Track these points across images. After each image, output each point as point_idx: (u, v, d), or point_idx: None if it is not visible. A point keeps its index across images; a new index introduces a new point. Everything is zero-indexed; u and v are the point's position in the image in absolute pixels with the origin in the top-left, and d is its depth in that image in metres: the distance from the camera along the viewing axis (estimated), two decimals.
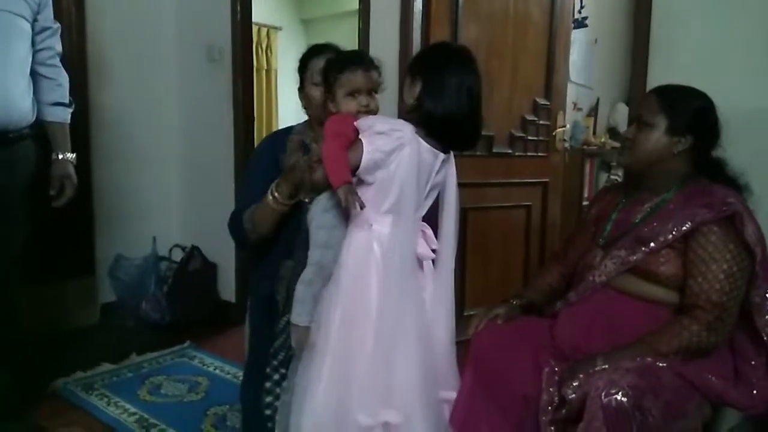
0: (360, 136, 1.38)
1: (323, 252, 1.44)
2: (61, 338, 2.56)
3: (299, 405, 1.46)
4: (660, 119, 1.43)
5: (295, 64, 1.81)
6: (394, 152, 1.38)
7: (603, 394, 1.21)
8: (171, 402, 2.13)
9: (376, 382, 1.38)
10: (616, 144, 2.80)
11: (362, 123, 1.42)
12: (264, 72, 5.41)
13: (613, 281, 1.48)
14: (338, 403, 1.41)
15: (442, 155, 1.46)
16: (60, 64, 1.86)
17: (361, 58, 1.51)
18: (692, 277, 1.34)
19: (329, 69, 1.52)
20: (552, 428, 1.40)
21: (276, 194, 1.59)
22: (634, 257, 1.41)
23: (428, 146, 1.42)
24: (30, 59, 1.75)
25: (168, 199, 3.07)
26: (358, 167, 1.37)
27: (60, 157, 1.84)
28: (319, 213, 1.46)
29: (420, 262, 1.50)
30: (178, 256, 2.98)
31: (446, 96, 1.40)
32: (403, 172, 1.39)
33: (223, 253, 2.96)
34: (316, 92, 1.68)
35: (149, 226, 2.95)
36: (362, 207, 1.34)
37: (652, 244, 1.39)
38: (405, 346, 1.41)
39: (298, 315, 1.46)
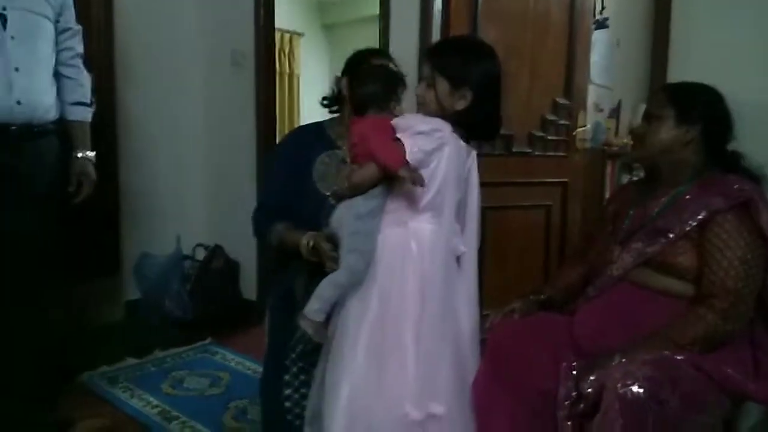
0: (398, 136, 1.41)
1: (358, 258, 1.45)
2: (87, 334, 2.61)
3: (329, 397, 1.49)
4: (668, 111, 1.45)
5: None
6: (435, 152, 1.42)
7: (619, 385, 1.20)
8: (193, 395, 2.17)
9: (423, 376, 1.41)
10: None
11: (400, 123, 1.45)
12: (287, 77, 5.48)
13: (630, 275, 1.48)
14: (373, 396, 1.44)
15: (473, 153, 1.50)
16: (81, 65, 1.92)
17: None
18: (707, 266, 1.34)
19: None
20: (569, 423, 1.39)
21: (311, 246, 1.58)
22: (651, 249, 1.41)
23: (463, 144, 1.45)
24: (53, 58, 1.82)
25: (192, 200, 3.13)
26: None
27: (79, 155, 1.90)
28: (353, 219, 1.47)
29: (449, 256, 1.52)
30: (201, 255, 3.03)
31: (490, 103, 1.48)
32: (443, 171, 1.43)
33: (246, 252, 3.01)
34: None
35: (174, 226, 3.01)
36: (423, 184, 1.37)
37: (669, 235, 1.39)
38: (446, 343, 1.45)
39: (314, 311, 1.48)
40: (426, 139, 1.40)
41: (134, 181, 2.91)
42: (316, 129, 1.85)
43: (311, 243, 1.59)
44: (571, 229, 2.65)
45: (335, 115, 1.85)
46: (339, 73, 1.80)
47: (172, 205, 3.06)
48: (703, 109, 1.45)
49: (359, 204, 1.50)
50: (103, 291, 2.86)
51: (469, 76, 1.44)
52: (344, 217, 1.51)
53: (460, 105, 1.44)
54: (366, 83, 1.63)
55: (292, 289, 1.81)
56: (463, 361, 1.50)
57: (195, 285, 2.88)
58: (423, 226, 1.47)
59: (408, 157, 1.38)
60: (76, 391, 2.16)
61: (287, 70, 5.49)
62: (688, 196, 1.43)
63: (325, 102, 1.83)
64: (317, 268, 1.71)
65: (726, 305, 1.29)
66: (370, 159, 1.45)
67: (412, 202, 1.46)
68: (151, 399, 2.12)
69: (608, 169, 2.97)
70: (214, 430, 1.91)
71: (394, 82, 1.65)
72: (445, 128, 1.42)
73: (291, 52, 5.53)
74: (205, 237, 3.10)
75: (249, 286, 3.05)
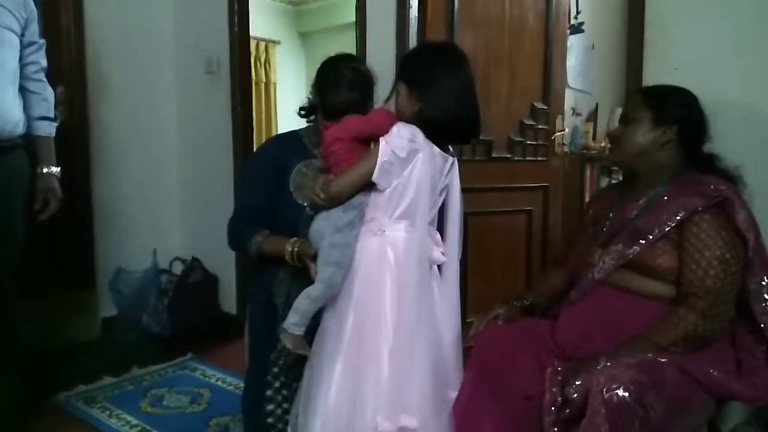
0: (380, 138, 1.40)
1: (334, 271, 1.44)
2: (62, 352, 2.55)
3: (308, 409, 1.47)
4: (644, 113, 1.47)
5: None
6: (409, 157, 1.40)
7: (604, 389, 1.20)
8: (173, 413, 2.12)
9: (395, 387, 1.39)
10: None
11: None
12: (263, 85, 5.45)
13: (612, 278, 1.48)
14: (350, 408, 1.42)
15: (450, 159, 1.48)
16: (45, 79, 1.88)
17: None
18: (687, 266, 1.34)
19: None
20: (555, 429, 1.39)
21: (295, 252, 1.57)
22: (631, 251, 1.42)
23: (439, 150, 1.44)
24: (18, 73, 1.77)
25: (168, 212, 3.08)
26: (372, 173, 1.40)
27: (45, 170, 1.85)
28: (331, 231, 1.46)
29: (430, 266, 1.51)
30: (178, 268, 2.98)
31: (446, 100, 1.43)
32: (417, 177, 1.42)
33: (224, 265, 2.96)
34: None
35: (150, 239, 2.96)
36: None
37: (648, 237, 1.40)
38: (420, 352, 1.43)
39: (294, 324, 1.47)
40: (403, 142, 1.39)
41: (108, 194, 2.85)
42: (291, 138, 1.83)
43: (296, 249, 1.57)
44: (553, 233, 2.65)
45: (310, 124, 1.83)
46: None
47: (147, 217, 3.00)
48: (678, 110, 1.46)
49: (337, 216, 1.48)
50: (78, 307, 2.78)
51: (420, 78, 1.42)
52: (322, 228, 1.49)
53: (416, 107, 1.41)
54: (341, 90, 1.62)
55: (272, 297, 1.79)
56: (443, 371, 1.48)
57: (173, 299, 2.82)
58: (399, 234, 1.46)
59: (382, 161, 1.39)
60: (50, 411, 2.09)
61: (263, 79, 5.45)
62: (665, 198, 1.44)
63: (302, 112, 1.81)
64: (298, 275, 1.70)
65: (706, 305, 1.30)
66: (355, 138, 1.46)
67: (387, 210, 1.45)
68: (130, 418, 2.06)
69: (587, 173, 2.98)
70: None
71: (369, 85, 1.64)
72: (418, 135, 1.41)
73: (267, 60, 5.50)
74: (182, 250, 3.05)
75: (228, 300, 3.00)
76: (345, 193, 1.46)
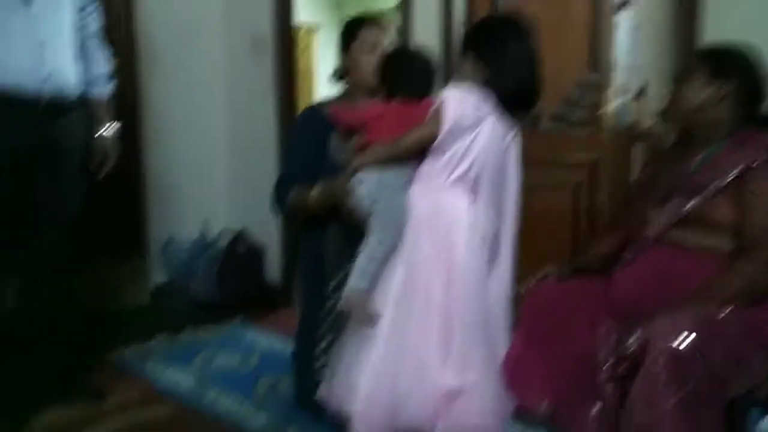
0: (444, 103, 1.43)
1: (392, 231, 1.47)
2: (113, 317, 2.63)
3: (352, 370, 1.50)
4: (701, 69, 1.45)
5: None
6: (474, 124, 1.44)
7: (664, 339, 1.19)
8: (224, 371, 2.19)
9: (451, 347, 1.42)
10: (665, 126, 2.75)
11: (451, 94, 1.46)
12: (304, 72, 5.50)
13: (668, 235, 1.47)
14: (397, 367, 1.45)
15: (513, 130, 1.51)
16: (100, 41, 1.95)
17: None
18: (745, 219, 1.33)
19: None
20: (610, 385, 1.39)
21: (319, 199, 1.65)
22: (688, 206, 1.41)
23: (503, 122, 1.46)
24: (76, 34, 1.84)
25: (216, 184, 3.15)
26: (436, 136, 1.43)
27: (101, 131, 1.92)
28: (387, 193, 1.49)
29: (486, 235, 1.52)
30: (226, 239, 3.05)
31: (514, 68, 1.48)
32: (480, 145, 1.45)
33: (270, 236, 3.03)
34: (368, 59, 1.73)
35: (199, 209, 3.04)
36: None
37: (705, 192, 1.39)
38: (471, 309, 1.45)
39: (357, 286, 1.49)
40: (470, 109, 1.42)
41: (159, 165, 2.94)
42: (327, 106, 1.89)
43: (319, 194, 1.64)
44: (600, 210, 2.61)
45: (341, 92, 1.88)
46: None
47: (196, 189, 3.08)
48: (736, 64, 1.45)
49: (390, 179, 1.52)
50: (129, 275, 2.89)
51: (488, 47, 1.47)
52: (373, 192, 1.52)
53: (484, 76, 1.45)
54: (413, 78, 1.62)
55: (321, 257, 1.83)
56: (493, 329, 1.51)
57: (221, 269, 2.89)
58: (454, 200, 1.48)
59: (450, 124, 1.41)
60: (105, 368, 2.17)
61: (304, 66, 5.50)
62: (723, 152, 1.42)
63: (335, 77, 1.86)
64: (347, 233, 1.74)
65: (765, 257, 1.28)
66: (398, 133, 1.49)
67: (444, 173, 1.47)
68: (183, 375, 2.13)
69: (634, 152, 2.94)
70: (247, 403, 1.92)
71: (434, 75, 1.66)
72: (484, 103, 1.43)
73: (307, 45, 5.54)
74: (230, 221, 3.12)
75: (274, 270, 3.06)
76: (410, 150, 1.49)
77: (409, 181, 1.52)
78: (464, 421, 1.43)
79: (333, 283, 1.83)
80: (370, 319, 1.44)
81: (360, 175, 1.55)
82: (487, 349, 1.47)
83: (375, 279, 1.48)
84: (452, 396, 1.43)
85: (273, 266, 3.06)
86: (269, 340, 2.49)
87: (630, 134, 2.93)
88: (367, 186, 1.54)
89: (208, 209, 3.07)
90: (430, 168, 1.50)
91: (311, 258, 1.89)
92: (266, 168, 2.96)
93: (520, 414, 1.53)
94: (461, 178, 1.47)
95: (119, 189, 2.54)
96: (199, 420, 1.84)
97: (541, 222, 2.53)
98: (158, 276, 2.97)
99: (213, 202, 3.11)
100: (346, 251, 1.82)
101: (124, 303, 2.80)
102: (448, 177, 1.47)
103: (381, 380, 1.46)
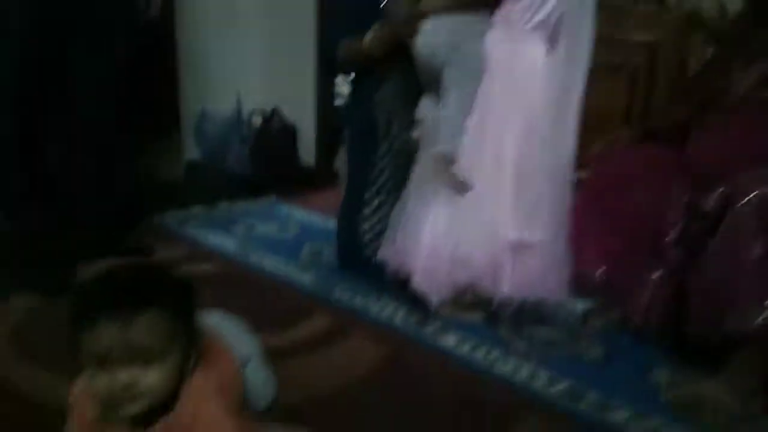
0: None
1: (471, 84, 1.41)
2: (150, 189, 2.59)
3: (414, 227, 1.47)
4: None
5: None
6: None
7: (754, 186, 1.14)
8: (265, 237, 2.18)
9: (521, 202, 1.41)
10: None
11: None
12: None
13: (754, 97, 1.38)
14: (463, 218, 1.42)
15: None
16: None
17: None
18: None
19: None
20: (678, 249, 1.36)
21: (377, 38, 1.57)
22: None
23: None
24: None
25: (250, 62, 3.03)
26: None
27: None
28: (461, 40, 1.41)
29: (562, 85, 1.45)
30: (259, 117, 2.97)
31: None
32: None
33: (304, 117, 2.95)
34: None
35: (233, 86, 2.93)
36: None
37: None
38: (542, 167, 1.43)
39: (443, 149, 1.43)
40: None
41: (192, 38, 2.81)
42: None
43: (379, 33, 1.57)
44: (657, 96, 2.49)
45: None
46: None
47: (230, 66, 2.96)
48: None
49: (464, 23, 1.43)
50: (162, 150, 2.83)
51: None
52: (447, 38, 1.43)
53: None
54: None
55: (371, 117, 1.77)
56: (561, 194, 1.47)
57: (254, 146, 2.84)
58: (532, 47, 1.42)
59: None
60: (148, 230, 2.15)
61: None
62: None
63: None
64: (399, 94, 1.67)
65: None
66: None
67: (523, 18, 1.40)
68: (225, 238, 2.13)
69: (694, 39, 2.77)
70: (293, 264, 1.92)
71: None
72: None
73: None
74: (263, 101, 3.03)
75: (307, 151, 3.00)
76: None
77: (484, 28, 1.43)
78: (527, 277, 1.42)
79: (385, 146, 1.78)
80: (462, 186, 1.40)
81: (430, 21, 1.45)
82: (555, 208, 1.44)
83: (454, 138, 1.43)
84: (517, 251, 1.42)
85: (307, 148, 3.00)
86: (307, 215, 2.47)
87: (689, 20, 2.76)
88: (438, 32, 1.45)
89: (241, 86, 2.96)
90: (507, 13, 1.41)
91: (361, 119, 1.82)
92: (302, 45, 2.84)
93: (578, 278, 1.51)
94: (540, 25, 1.40)
95: (152, 63, 2.44)
96: (248, 275, 1.84)
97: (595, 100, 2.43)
98: (191, 152, 2.92)
99: (246, 80, 3.00)
100: (400, 111, 1.75)
101: (157, 178, 2.76)
102: (527, 23, 1.40)
103: (446, 235, 1.44)
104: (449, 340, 1.45)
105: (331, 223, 2.23)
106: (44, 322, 1.46)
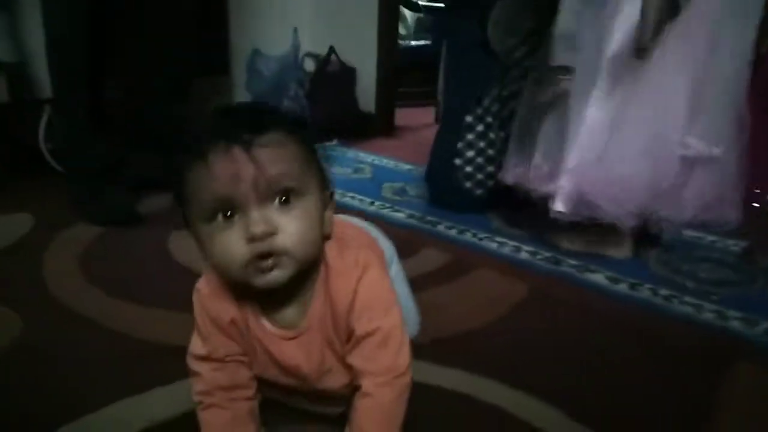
0: None
1: None
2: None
3: (571, 127, 1.24)
4: None
5: None
6: None
7: None
8: (341, 177, 1.95)
9: (695, 113, 1.18)
10: None
11: None
12: None
13: None
14: (627, 127, 1.19)
15: None
16: None
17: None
18: None
19: None
20: None
21: None
22: None
23: None
24: None
25: (303, 2, 2.78)
26: None
27: None
28: None
29: None
30: (312, 63, 2.73)
31: None
32: None
33: (363, 59, 2.69)
34: None
35: (286, 26, 2.68)
36: None
37: None
38: (715, 76, 1.20)
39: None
40: None
41: None
42: None
43: None
44: None
45: None
46: None
47: (281, 2, 2.71)
48: None
49: None
50: (211, 92, 2.60)
51: None
52: None
53: None
54: None
55: (478, 37, 1.54)
56: (741, 106, 1.23)
57: (311, 88, 2.60)
58: None
59: None
60: None
61: None
62: None
63: None
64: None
65: None
66: None
67: None
68: None
69: None
70: (380, 203, 1.68)
71: None
72: None
73: None
74: (319, 38, 2.77)
75: (366, 97, 2.75)
76: None
77: None
78: (701, 198, 1.18)
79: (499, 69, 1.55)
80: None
81: None
82: (735, 120, 1.19)
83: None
84: (693, 166, 1.17)
85: (366, 93, 2.75)
86: (376, 158, 2.23)
87: None
88: None
89: (297, 23, 2.71)
90: None
91: (465, 41, 1.59)
92: None
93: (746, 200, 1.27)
94: None
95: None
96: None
97: None
98: (242, 94, 2.68)
99: (301, 16, 2.75)
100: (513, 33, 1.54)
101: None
102: None
103: (601, 150, 1.20)
104: (598, 277, 1.22)
105: (403, 166, 2.10)
106: (111, 249, 1.28)
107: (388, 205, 1.66)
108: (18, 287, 1.09)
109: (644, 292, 1.16)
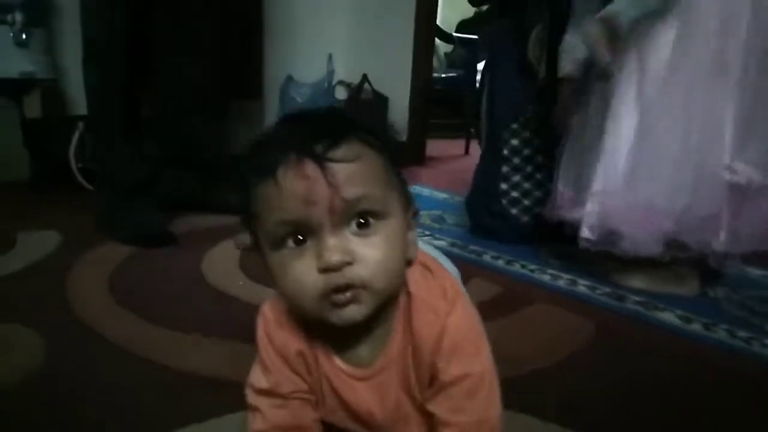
0: None
1: None
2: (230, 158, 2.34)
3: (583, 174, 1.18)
4: None
5: None
6: None
7: None
8: None
9: (757, 129, 1.08)
10: None
11: None
12: None
13: None
14: (673, 147, 1.10)
15: None
16: None
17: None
18: None
19: None
20: None
21: None
22: None
23: None
24: None
25: (339, 23, 2.76)
26: None
27: None
28: None
29: None
30: (344, 91, 2.70)
31: None
32: None
33: (395, 88, 2.65)
34: None
35: (320, 52, 2.66)
36: None
37: None
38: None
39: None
40: None
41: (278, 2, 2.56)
42: None
43: None
44: None
45: None
46: None
47: (318, 28, 2.70)
48: None
49: None
50: (243, 115, 2.56)
51: None
52: None
53: None
54: None
55: (518, 54, 1.49)
56: None
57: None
58: None
59: None
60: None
61: None
62: None
63: None
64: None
65: None
66: None
67: None
68: None
69: None
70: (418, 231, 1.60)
71: None
72: None
73: None
74: (350, 70, 2.74)
75: (398, 127, 2.69)
76: None
77: None
78: (756, 224, 1.08)
79: (541, 81, 1.49)
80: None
81: None
82: None
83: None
84: (744, 192, 1.08)
85: (399, 119, 2.70)
86: (411, 186, 2.16)
87: None
88: None
89: (331, 50, 2.69)
90: None
91: (504, 57, 1.54)
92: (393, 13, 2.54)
93: None
94: None
95: (234, 22, 2.19)
96: None
97: None
98: (274, 120, 2.63)
99: (334, 46, 2.73)
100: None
101: (236, 146, 2.50)
102: None
103: (633, 173, 1.12)
104: (667, 316, 1.11)
105: (438, 195, 2.04)
106: (141, 270, 1.21)
107: (428, 232, 1.58)
108: (42, 307, 1.01)
109: (720, 332, 1.05)
